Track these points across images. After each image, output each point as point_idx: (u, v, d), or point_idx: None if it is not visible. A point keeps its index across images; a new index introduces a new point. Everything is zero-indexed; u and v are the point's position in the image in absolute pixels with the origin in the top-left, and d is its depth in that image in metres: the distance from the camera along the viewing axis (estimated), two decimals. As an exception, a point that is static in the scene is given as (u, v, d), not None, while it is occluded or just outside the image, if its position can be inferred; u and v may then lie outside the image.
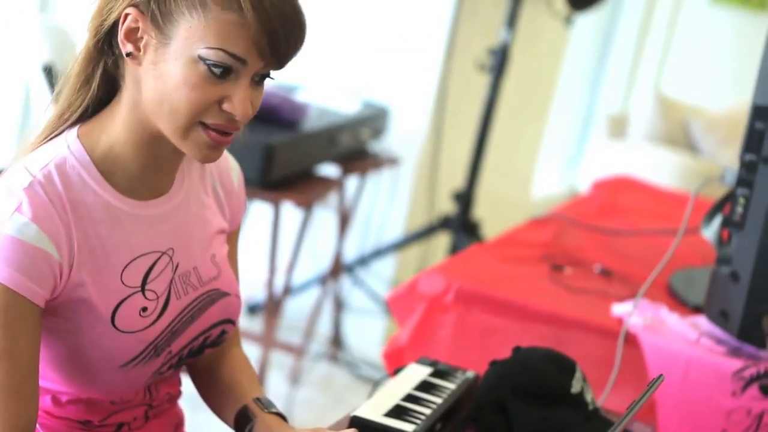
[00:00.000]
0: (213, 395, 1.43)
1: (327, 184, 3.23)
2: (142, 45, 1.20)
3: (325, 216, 3.78)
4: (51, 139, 1.27)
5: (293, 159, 3.00)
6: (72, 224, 1.21)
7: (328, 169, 3.44)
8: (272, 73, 1.23)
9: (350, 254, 3.86)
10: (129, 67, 1.23)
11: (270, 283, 3.07)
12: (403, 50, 3.85)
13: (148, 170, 1.27)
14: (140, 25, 1.20)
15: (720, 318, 1.79)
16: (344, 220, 3.65)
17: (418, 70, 3.85)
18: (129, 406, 1.35)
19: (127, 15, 1.20)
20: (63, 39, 2.50)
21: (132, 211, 1.27)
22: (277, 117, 3.03)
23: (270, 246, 3.04)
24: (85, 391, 1.29)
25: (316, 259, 3.80)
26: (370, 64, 3.87)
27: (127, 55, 1.21)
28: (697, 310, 1.97)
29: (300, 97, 3.37)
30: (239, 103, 1.19)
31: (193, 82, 1.17)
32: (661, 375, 1.10)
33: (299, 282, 3.78)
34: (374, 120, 3.61)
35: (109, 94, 1.27)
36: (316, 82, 3.72)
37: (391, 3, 3.84)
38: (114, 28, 1.23)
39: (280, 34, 1.17)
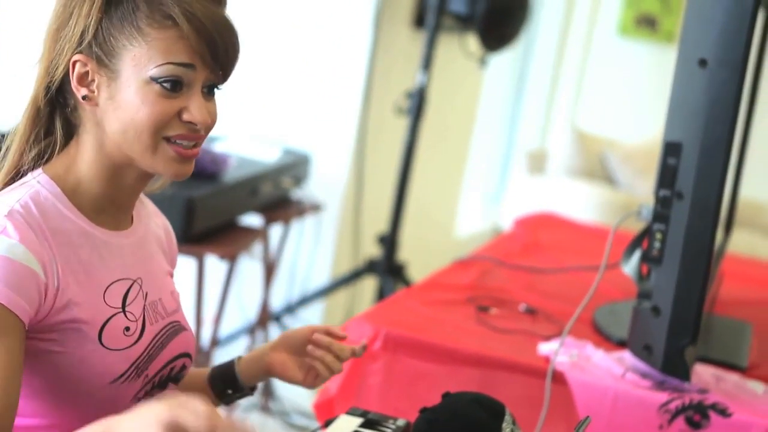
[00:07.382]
0: None
1: (250, 234, 3.21)
2: (95, 86, 1.29)
3: (250, 266, 3.75)
4: (13, 182, 1.33)
5: (215, 211, 2.98)
6: (54, 249, 1.26)
7: (251, 219, 3.42)
8: (219, 85, 1.34)
9: (277, 303, 3.84)
10: (86, 112, 1.31)
11: (197, 335, 3.04)
12: (321, 96, 3.86)
13: (113, 203, 1.35)
14: (89, 68, 1.28)
15: (643, 352, 1.81)
16: (269, 269, 3.63)
17: (336, 115, 3.86)
18: None
19: (75, 63, 1.28)
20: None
21: (105, 238, 1.34)
22: (198, 169, 2.98)
23: (195, 299, 3.01)
24: (69, 416, 1.29)
25: (243, 309, 3.77)
26: (289, 112, 3.88)
27: (83, 98, 1.29)
28: (621, 344, 1.99)
29: (220, 147, 3.36)
30: (196, 110, 1.29)
31: (151, 101, 1.26)
32: (587, 417, 1.11)
33: (227, 333, 3.75)
34: (295, 167, 3.61)
35: (65, 138, 1.34)
36: (235, 132, 3.71)
37: (308, 49, 3.85)
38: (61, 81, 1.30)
39: (216, 39, 1.28)
